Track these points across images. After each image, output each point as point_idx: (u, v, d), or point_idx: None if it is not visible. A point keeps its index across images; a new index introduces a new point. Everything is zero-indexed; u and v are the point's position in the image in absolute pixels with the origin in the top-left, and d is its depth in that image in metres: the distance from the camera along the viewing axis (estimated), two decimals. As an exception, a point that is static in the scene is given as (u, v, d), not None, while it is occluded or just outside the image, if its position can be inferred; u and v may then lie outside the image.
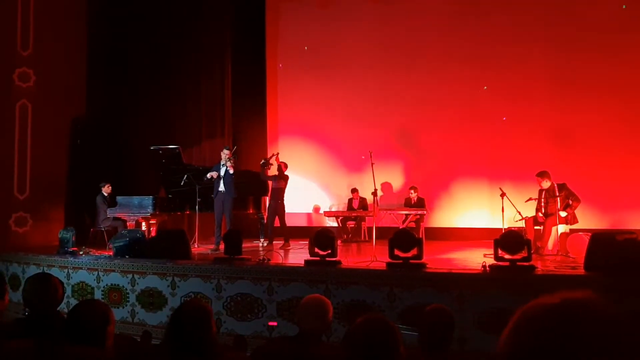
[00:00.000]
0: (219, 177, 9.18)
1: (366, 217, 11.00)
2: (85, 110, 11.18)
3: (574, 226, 8.26)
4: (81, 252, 8.09)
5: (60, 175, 10.69)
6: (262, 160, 10.11)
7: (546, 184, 8.40)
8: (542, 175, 8.46)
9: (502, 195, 8.47)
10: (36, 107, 10.21)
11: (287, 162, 10.20)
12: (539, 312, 0.92)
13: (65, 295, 6.50)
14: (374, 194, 7.95)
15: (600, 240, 6.00)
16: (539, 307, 0.93)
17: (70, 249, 8.11)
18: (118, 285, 7.21)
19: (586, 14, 10.80)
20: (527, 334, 0.91)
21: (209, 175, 9.28)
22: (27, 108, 10.15)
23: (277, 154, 10.21)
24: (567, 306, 0.91)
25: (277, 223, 10.00)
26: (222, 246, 8.03)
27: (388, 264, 6.22)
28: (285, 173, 10.06)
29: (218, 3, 12.36)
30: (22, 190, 10.03)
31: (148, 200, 9.52)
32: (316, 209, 12.44)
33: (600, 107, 10.60)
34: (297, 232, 10.63)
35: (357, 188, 11.55)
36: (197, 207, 9.56)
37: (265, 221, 10.28)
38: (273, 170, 10.18)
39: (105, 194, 9.99)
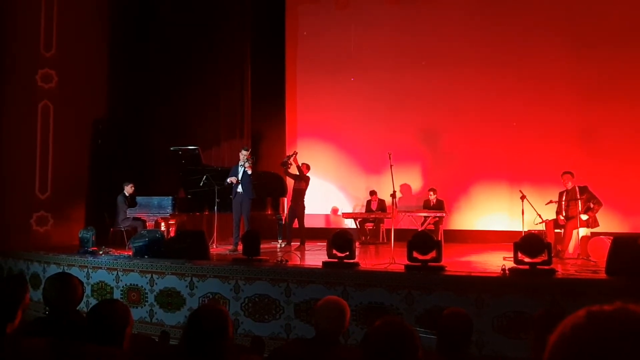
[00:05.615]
0: (237, 180, 9.20)
1: (384, 219, 10.96)
2: (107, 111, 11.28)
3: (595, 229, 8.17)
4: (101, 252, 8.14)
5: (81, 175, 10.79)
6: (283, 160, 10.11)
7: (570, 185, 8.37)
8: (569, 174, 8.42)
9: (522, 197, 8.38)
10: (58, 108, 10.30)
11: (306, 164, 10.19)
12: (595, 321, 0.88)
13: (85, 294, 6.56)
14: (393, 195, 7.86)
15: (622, 244, 5.90)
16: (594, 315, 0.89)
17: (90, 249, 8.18)
18: (137, 285, 7.25)
19: (608, 16, 10.66)
20: (581, 342, 0.87)
21: (228, 180, 9.30)
22: (49, 109, 10.25)
23: (296, 153, 10.16)
24: (624, 316, 0.87)
25: (295, 224, 10.02)
26: (240, 247, 8.06)
27: (406, 267, 6.17)
28: (307, 175, 10.05)
29: (238, 6, 12.40)
30: (43, 190, 10.13)
31: (167, 200, 9.59)
32: (334, 211, 12.42)
33: (623, 110, 10.46)
34: (315, 234, 10.62)
35: (375, 190, 11.51)
36: (215, 207, 9.60)
37: (283, 222, 10.28)
38: (294, 170, 10.14)
39: (127, 194, 10.06)
